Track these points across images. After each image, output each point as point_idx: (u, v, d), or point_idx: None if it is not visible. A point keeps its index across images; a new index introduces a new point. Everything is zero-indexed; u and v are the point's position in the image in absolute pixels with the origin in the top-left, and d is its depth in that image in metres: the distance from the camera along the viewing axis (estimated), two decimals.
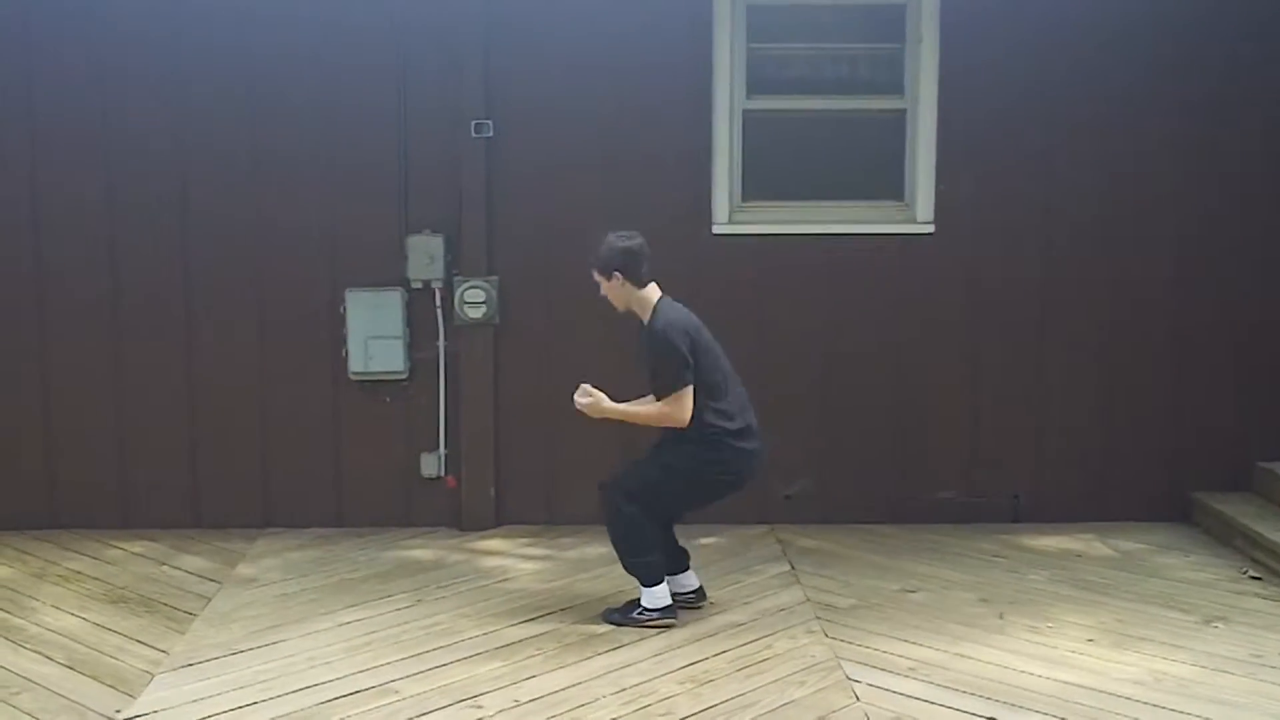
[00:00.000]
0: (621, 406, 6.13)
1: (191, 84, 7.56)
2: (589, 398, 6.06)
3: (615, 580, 6.74)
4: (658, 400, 6.03)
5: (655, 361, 5.99)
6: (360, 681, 5.46)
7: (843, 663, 5.65)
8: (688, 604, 6.32)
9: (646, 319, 6.09)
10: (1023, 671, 5.55)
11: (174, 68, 7.54)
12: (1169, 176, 7.76)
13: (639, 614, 6.13)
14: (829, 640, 5.93)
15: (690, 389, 5.95)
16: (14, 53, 7.53)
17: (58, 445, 7.73)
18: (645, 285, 6.10)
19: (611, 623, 6.13)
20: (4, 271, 7.63)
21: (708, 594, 6.44)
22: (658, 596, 6.14)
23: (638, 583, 6.17)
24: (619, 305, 6.19)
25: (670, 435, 6.09)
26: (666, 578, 6.20)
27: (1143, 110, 7.72)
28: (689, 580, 6.39)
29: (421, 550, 7.41)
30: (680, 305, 6.15)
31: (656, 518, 6.14)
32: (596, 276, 6.13)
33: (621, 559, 6.21)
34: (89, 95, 7.55)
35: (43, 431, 7.71)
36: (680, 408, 5.95)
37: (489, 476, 7.82)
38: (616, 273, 6.06)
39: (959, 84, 7.67)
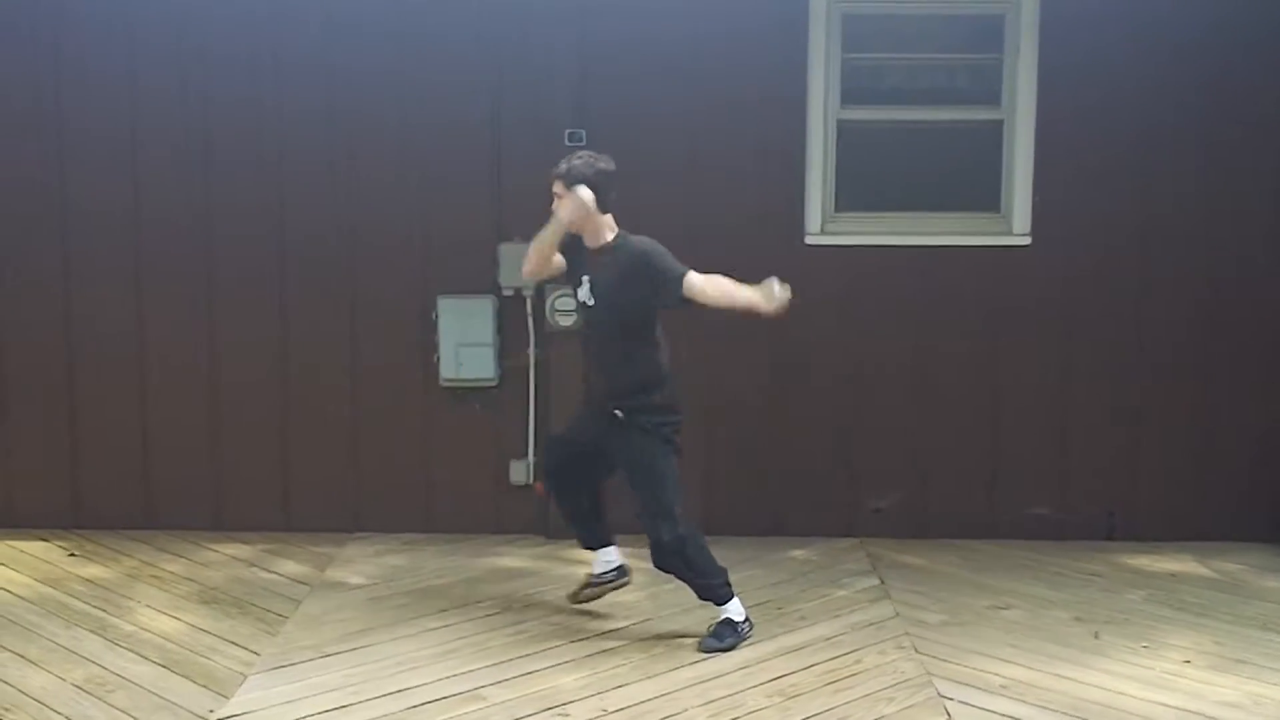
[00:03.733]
0: (737, 291, 5.78)
1: (288, 101, 7.64)
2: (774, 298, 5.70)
3: None
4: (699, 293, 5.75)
5: (661, 262, 5.78)
6: (449, 687, 5.49)
7: (934, 679, 5.58)
8: (606, 582, 6.33)
9: (607, 240, 5.91)
10: (1119, 693, 5.46)
11: (270, 86, 7.62)
12: (1274, 180, 7.58)
13: (741, 629, 6.02)
14: (919, 656, 5.86)
15: None
16: (116, 76, 7.63)
17: (154, 447, 7.83)
18: (608, 212, 5.93)
19: (717, 651, 5.91)
20: (107, 279, 7.75)
21: (785, 605, 6.38)
22: (740, 609, 6.07)
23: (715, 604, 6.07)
24: (573, 223, 5.91)
25: (625, 425, 5.98)
26: (595, 552, 6.33)
27: (1248, 111, 7.53)
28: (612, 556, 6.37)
29: (510, 558, 7.43)
30: None
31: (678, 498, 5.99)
32: (561, 190, 5.88)
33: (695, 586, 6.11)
34: (185, 114, 7.65)
35: (140, 433, 7.82)
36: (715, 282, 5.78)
37: None
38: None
39: (1058, 94, 7.55)
